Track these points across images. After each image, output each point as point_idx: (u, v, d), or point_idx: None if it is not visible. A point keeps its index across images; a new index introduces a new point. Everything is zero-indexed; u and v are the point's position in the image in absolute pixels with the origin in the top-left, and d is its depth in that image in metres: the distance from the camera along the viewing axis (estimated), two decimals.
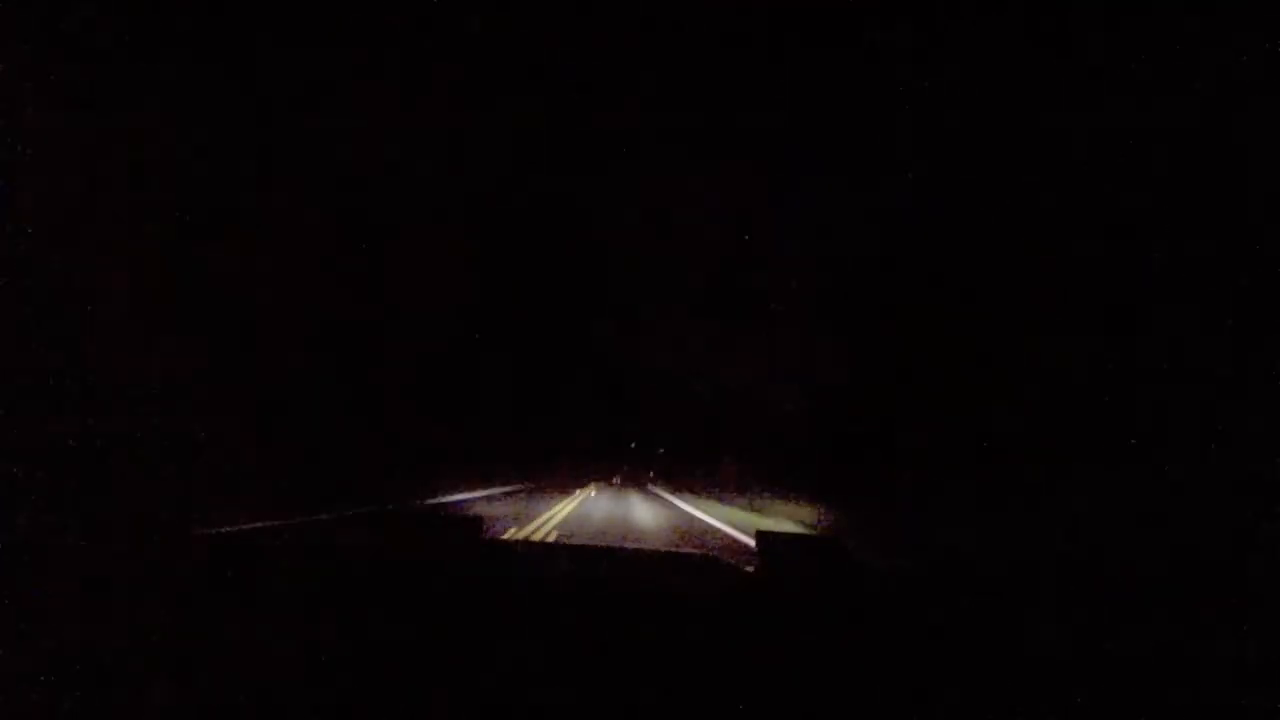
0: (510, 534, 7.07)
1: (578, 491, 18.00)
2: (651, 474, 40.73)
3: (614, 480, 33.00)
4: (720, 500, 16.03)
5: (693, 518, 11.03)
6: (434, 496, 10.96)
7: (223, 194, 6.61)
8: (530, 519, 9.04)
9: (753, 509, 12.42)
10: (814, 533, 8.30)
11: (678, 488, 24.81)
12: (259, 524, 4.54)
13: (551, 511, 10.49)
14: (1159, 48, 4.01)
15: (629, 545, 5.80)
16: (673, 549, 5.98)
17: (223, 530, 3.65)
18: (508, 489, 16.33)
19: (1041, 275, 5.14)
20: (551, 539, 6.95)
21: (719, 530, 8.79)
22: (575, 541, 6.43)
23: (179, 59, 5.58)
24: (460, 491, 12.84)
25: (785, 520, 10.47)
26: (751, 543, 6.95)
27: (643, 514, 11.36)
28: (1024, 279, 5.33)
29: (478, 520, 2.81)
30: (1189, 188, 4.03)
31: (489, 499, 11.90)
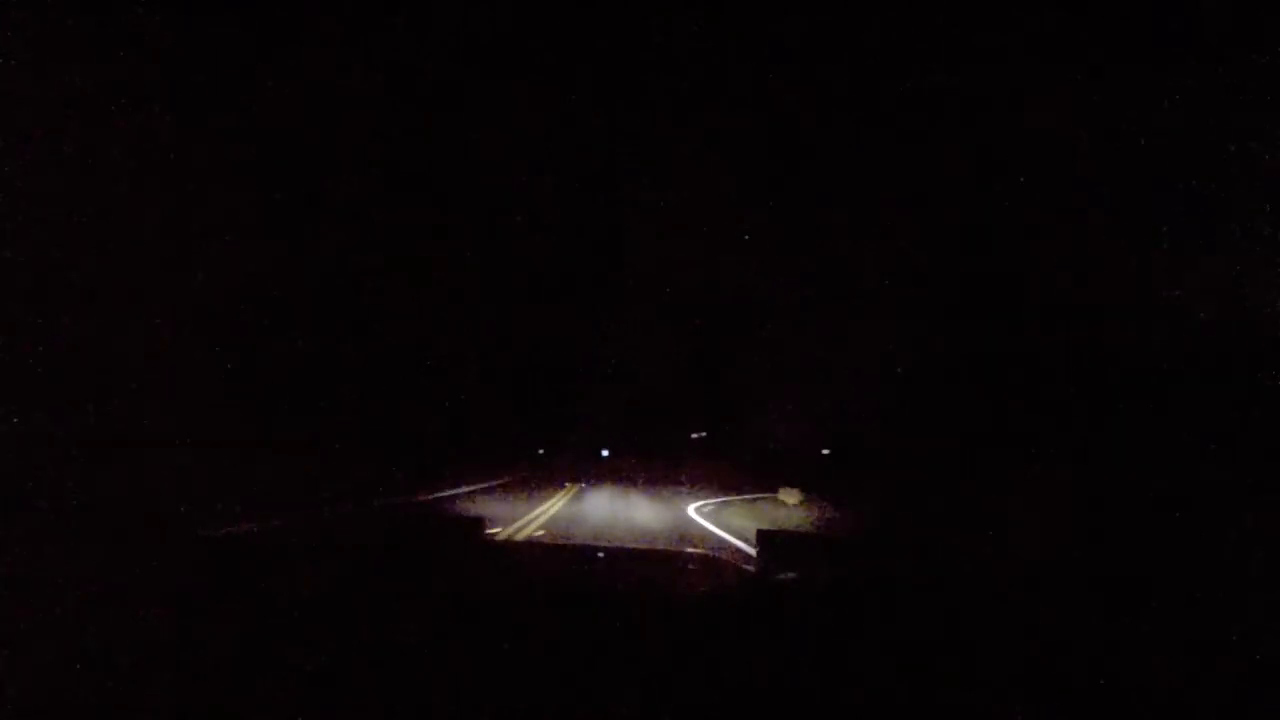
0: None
1: None
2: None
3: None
4: None
5: None
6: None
7: (222, 192, 6.60)
8: None
9: None
10: (815, 531, 8.30)
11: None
12: (258, 524, 4.54)
13: None
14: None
15: (628, 545, 5.80)
16: (673, 548, 5.98)
17: (225, 531, 3.65)
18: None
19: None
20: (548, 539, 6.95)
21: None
22: (574, 541, 6.43)
23: (180, 57, 5.57)
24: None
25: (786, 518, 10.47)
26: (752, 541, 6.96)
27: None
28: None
29: (478, 520, 2.81)
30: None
31: None
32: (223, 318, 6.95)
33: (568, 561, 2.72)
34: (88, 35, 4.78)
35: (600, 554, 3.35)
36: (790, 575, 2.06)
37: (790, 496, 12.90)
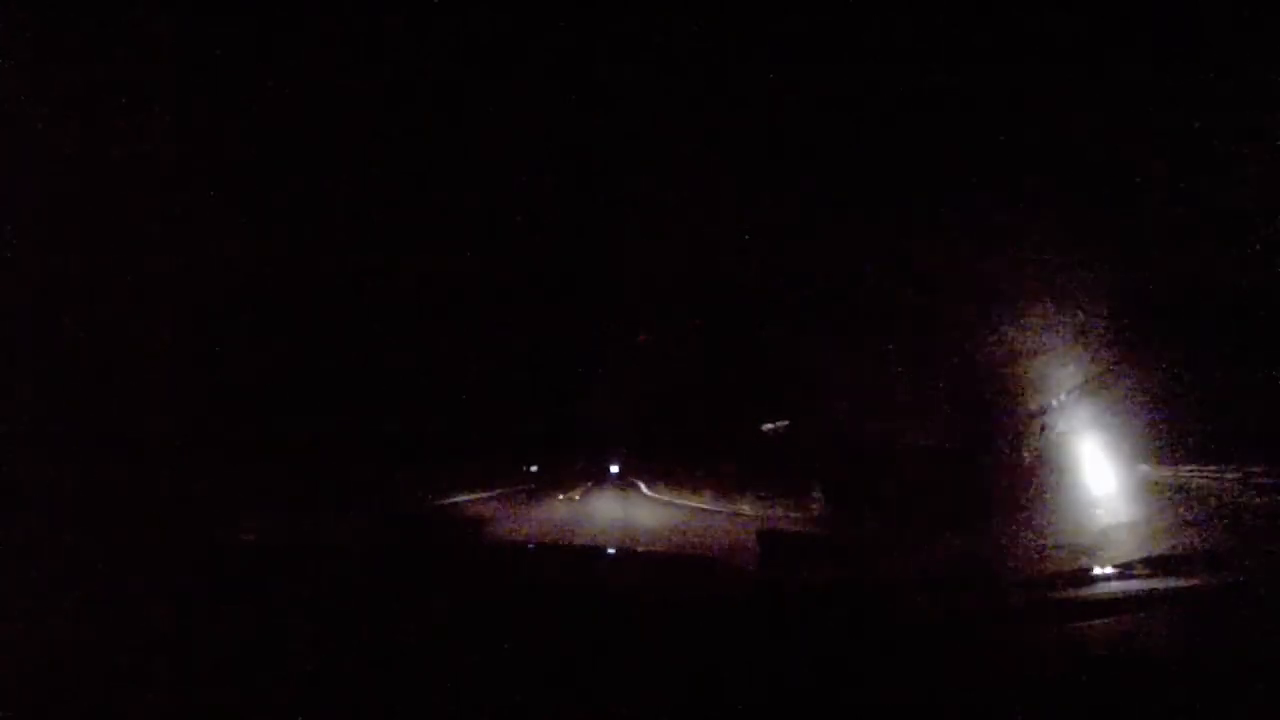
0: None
1: None
2: None
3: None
4: None
5: None
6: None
7: (222, 192, 6.58)
8: None
9: None
10: (817, 531, 8.27)
11: None
12: (258, 525, 4.54)
13: None
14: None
15: (629, 546, 5.78)
16: (675, 549, 5.97)
17: (225, 532, 3.66)
18: None
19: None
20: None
21: None
22: (577, 542, 6.41)
23: (181, 57, 5.56)
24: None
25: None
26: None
27: None
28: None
29: (478, 521, 2.81)
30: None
31: None
32: (223, 318, 6.94)
33: (569, 562, 2.72)
34: (88, 35, 4.78)
35: (602, 554, 3.35)
36: (791, 575, 2.05)
37: None
